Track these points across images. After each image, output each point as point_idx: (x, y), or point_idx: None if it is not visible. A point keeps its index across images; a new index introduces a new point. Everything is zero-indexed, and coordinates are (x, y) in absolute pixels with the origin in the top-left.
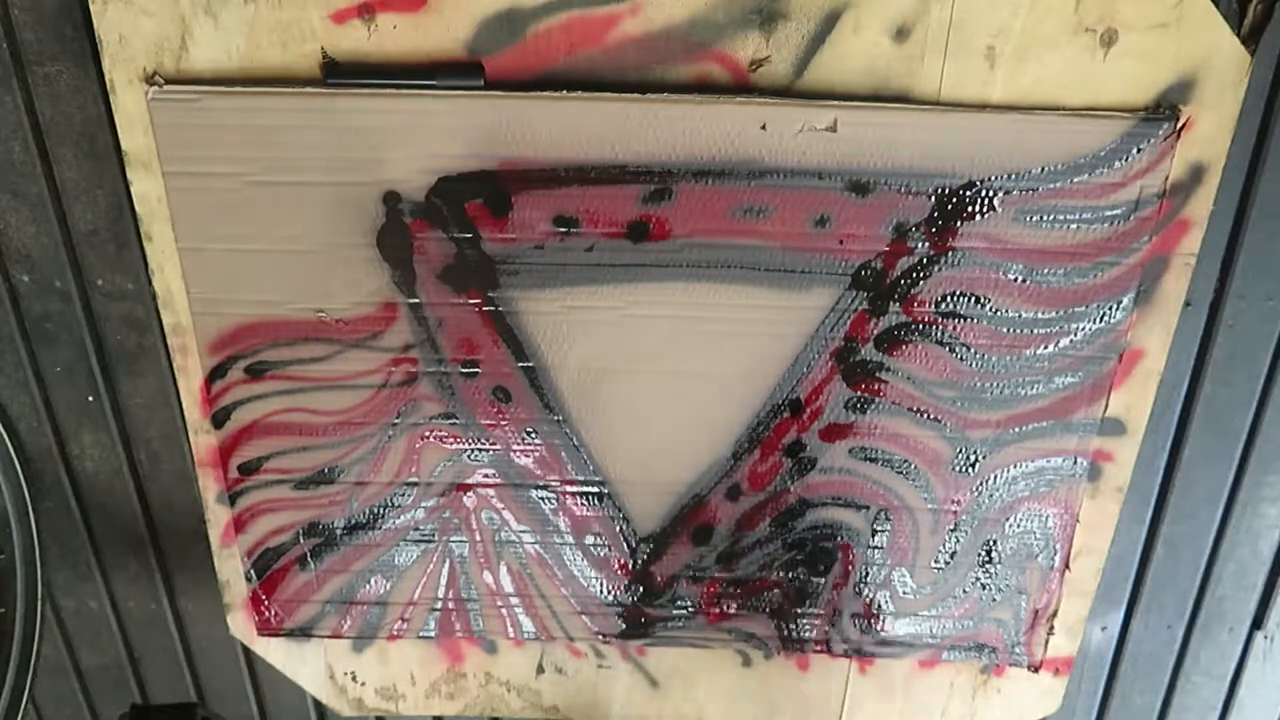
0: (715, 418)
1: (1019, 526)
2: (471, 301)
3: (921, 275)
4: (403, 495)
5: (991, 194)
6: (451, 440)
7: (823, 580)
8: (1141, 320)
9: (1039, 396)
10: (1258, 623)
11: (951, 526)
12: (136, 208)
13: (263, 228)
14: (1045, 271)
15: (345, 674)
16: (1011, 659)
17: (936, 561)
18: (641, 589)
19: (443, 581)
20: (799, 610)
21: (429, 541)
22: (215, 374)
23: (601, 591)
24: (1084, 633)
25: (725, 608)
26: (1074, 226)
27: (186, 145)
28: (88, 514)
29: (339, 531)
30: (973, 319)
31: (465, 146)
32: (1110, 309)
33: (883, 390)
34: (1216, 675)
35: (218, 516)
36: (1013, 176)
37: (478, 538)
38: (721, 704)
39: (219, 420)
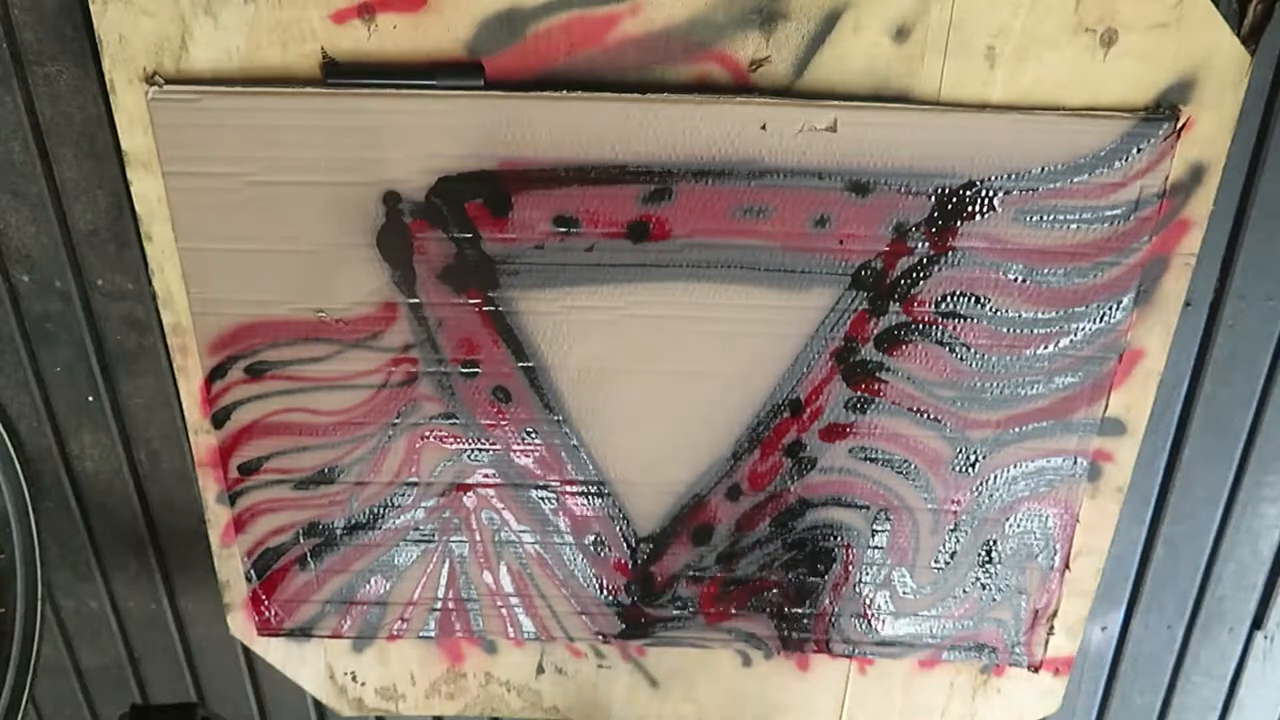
0: (715, 418)
1: (1019, 526)
2: (471, 301)
3: (921, 275)
4: (403, 495)
5: (991, 194)
6: (451, 440)
7: (823, 580)
8: (1141, 320)
9: (1039, 396)
10: (1258, 623)
11: (951, 526)
12: (136, 208)
13: (263, 228)
14: (1045, 271)
15: (345, 674)
16: (1011, 659)
17: (936, 561)
18: (641, 589)
19: (443, 581)
20: (799, 610)
21: (429, 541)
22: (215, 374)
23: (601, 591)
24: (1084, 633)
25: (725, 608)
26: (1074, 226)
27: (186, 145)
28: (88, 514)
29: (339, 531)
30: (973, 319)
31: (465, 146)
32: (1110, 309)
33: (883, 390)
34: (1216, 675)
35: (218, 516)
36: (1013, 176)
37: (478, 538)
38: (721, 704)
39: (219, 420)
